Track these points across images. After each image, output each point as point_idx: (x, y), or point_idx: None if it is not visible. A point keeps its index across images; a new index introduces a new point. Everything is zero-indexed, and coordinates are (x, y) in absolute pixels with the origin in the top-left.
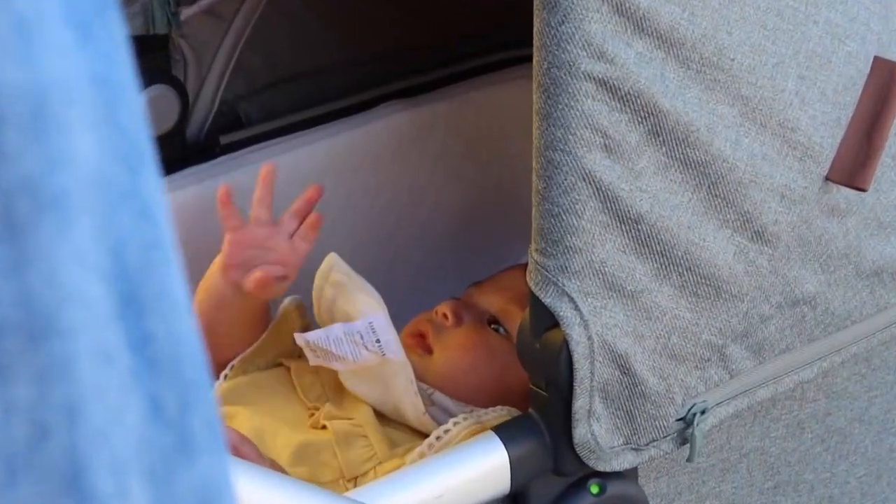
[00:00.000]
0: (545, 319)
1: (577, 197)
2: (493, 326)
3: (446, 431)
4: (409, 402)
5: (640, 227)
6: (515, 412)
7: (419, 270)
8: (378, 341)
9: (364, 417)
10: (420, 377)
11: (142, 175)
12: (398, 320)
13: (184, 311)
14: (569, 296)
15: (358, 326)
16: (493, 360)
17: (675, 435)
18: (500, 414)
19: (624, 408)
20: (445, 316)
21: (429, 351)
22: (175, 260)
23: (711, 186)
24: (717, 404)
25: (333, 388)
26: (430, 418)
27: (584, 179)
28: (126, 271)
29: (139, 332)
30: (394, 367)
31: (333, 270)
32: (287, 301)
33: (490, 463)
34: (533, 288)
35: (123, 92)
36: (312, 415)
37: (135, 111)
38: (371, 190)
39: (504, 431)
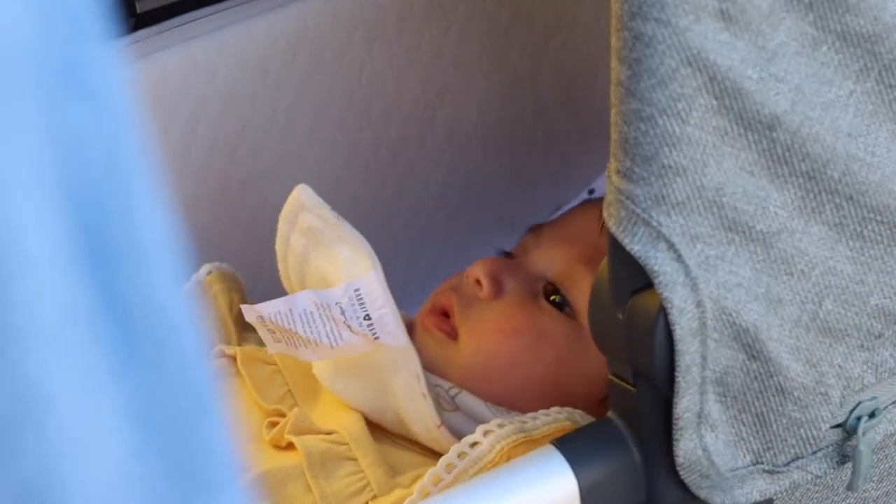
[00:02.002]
0: (632, 276)
1: (679, 90)
2: (551, 299)
3: (473, 445)
4: (415, 409)
5: (775, 134)
6: (581, 417)
7: (436, 215)
8: (367, 317)
9: (351, 430)
10: (440, 372)
11: (84, 47)
12: (409, 299)
13: (165, 264)
14: (667, 240)
15: (337, 295)
16: (546, 350)
17: (831, 450)
18: (558, 419)
19: (752, 409)
20: (478, 282)
21: (452, 335)
22: (151, 177)
23: (884, 72)
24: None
25: (304, 386)
26: (449, 434)
27: (691, 63)
28: (80, 198)
29: (105, 298)
30: (392, 356)
31: (304, 211)
32: (204, 270)
33: (551, 494)
34: (613, 229)
35: None
36: (274, 425)
37: None
38: (361, 86)
39: (570, 446)
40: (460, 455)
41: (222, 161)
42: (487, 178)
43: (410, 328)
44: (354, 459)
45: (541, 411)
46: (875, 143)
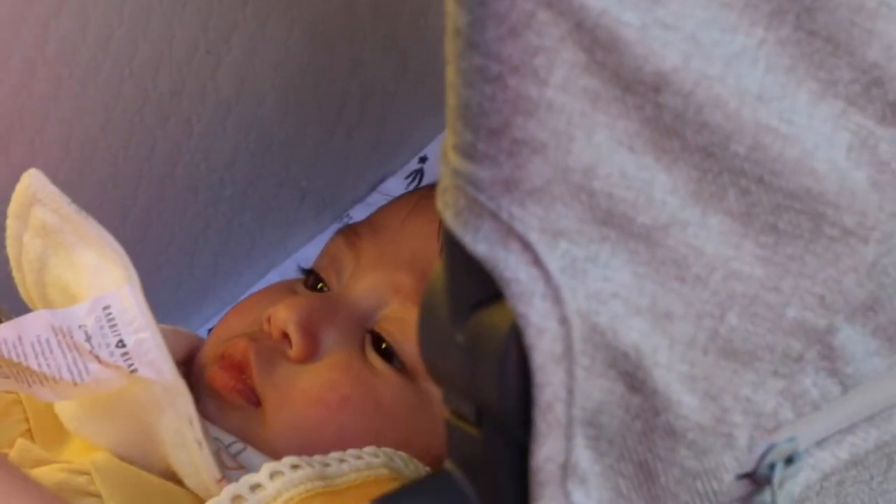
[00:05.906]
0: (475, 286)
1: (537, 41)
2: (382, 347)
3: (255, 488)
4: (188, 459)
5: (662, 98)
6: (405, 463)
7: (220, 193)
8: (121, 343)
9: (97, 461)
10: (235, 433)
11: None
12: (185, 305)
13: None
14: (522, 238)
15: (81, 315)
16: (388, 428)
17: None
18: (371, 464)
19: (634, 457)
20: (286, 337)
21: (254, 401)
22: None
23: (804, 15)
24: (819, 444)
25: (51, 425)
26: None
27: (552, 6)
28: None
29: None
30: (154, 394)
31: (37, 204)
32: None
33: None
34: (449, 223)
35: None
36: None
37: None
38: (121, 23)
39: None
40: (235, 499)
41: None
42: (287, 143)
43: (189, 361)
44: (97, 497)
45: (350, 451)
46: (792, 109)
